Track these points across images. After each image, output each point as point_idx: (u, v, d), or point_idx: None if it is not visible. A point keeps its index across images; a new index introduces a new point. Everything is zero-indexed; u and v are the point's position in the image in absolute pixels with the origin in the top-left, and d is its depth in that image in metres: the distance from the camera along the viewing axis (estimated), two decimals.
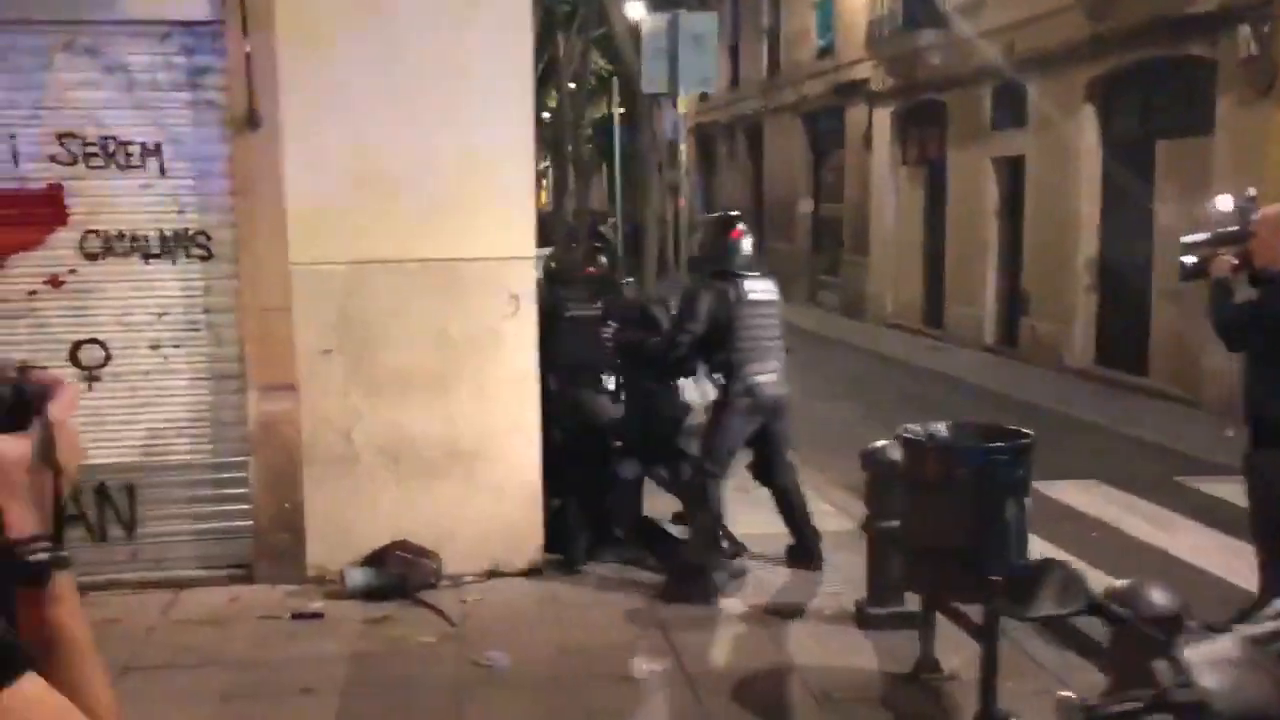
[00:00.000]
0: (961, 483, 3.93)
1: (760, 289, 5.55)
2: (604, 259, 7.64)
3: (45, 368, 1.17)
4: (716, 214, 7.33)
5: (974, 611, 4.17)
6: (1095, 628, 5.00)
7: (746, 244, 5.68)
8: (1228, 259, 4.37)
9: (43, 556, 1.07)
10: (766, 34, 22.42)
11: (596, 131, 28.12)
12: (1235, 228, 4.39)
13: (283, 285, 5.27)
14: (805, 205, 20.90)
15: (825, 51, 19.37)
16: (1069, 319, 12.45)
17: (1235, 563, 5.80)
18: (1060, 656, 4.63)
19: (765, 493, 5.82)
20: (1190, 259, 4.52)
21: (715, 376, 5.53)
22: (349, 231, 5.33)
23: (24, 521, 1.07)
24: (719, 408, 5.49)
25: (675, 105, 21.11)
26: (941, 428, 4.29)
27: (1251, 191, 4.54)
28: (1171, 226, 10.91)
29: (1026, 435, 4.07)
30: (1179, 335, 10.81)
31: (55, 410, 1.10)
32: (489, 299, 5.45)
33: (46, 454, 1.08)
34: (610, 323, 6.03)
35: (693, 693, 4.31)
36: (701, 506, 5.45)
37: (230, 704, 4.25)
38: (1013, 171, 13.65)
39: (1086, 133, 12.03)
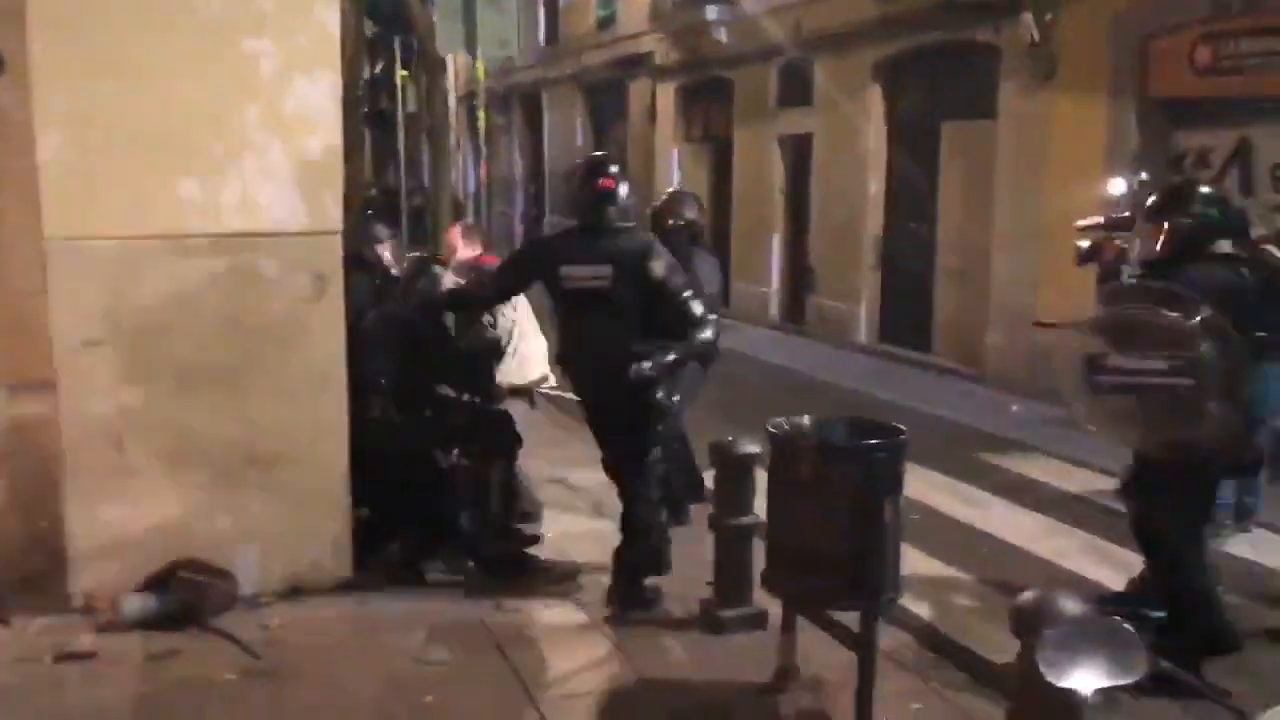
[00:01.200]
0: (839, 482, 3.67)
1: None
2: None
3: None
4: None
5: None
6: (954, 626, 4.95)
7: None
8: (1118, 244, 4.33)
9: None
10: (544, 2, 21.88)
11: (364, 97, 26.74)
12: (1126, 213, 4.37)
13: (37, 264, 4.43)
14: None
15: (607, 22, 19.05)
16: (855, 297, 12.69)
17: (1060, 544, 5.92)
18: (921, 656, 4.48)
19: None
20: (1084, 243, 4.55)
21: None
22: (121, 201, 4.53)
23: None
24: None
25: (449, 71, 20.30)
26: (805, 422, 4.02)
27: (1143, 175, 4.54)
28: (953, 209, 11.29)
29: (901, 431, 3.85)
30: (961, 312, 11.19)
31: None
32: (289, 281, 4.78)
33: None
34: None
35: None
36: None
37: None
38: (799, 150, 13.78)
39: (873, 113, 12.24)
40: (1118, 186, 4.74)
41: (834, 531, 3.70)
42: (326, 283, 4.82)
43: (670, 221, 6.05)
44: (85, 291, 4.51)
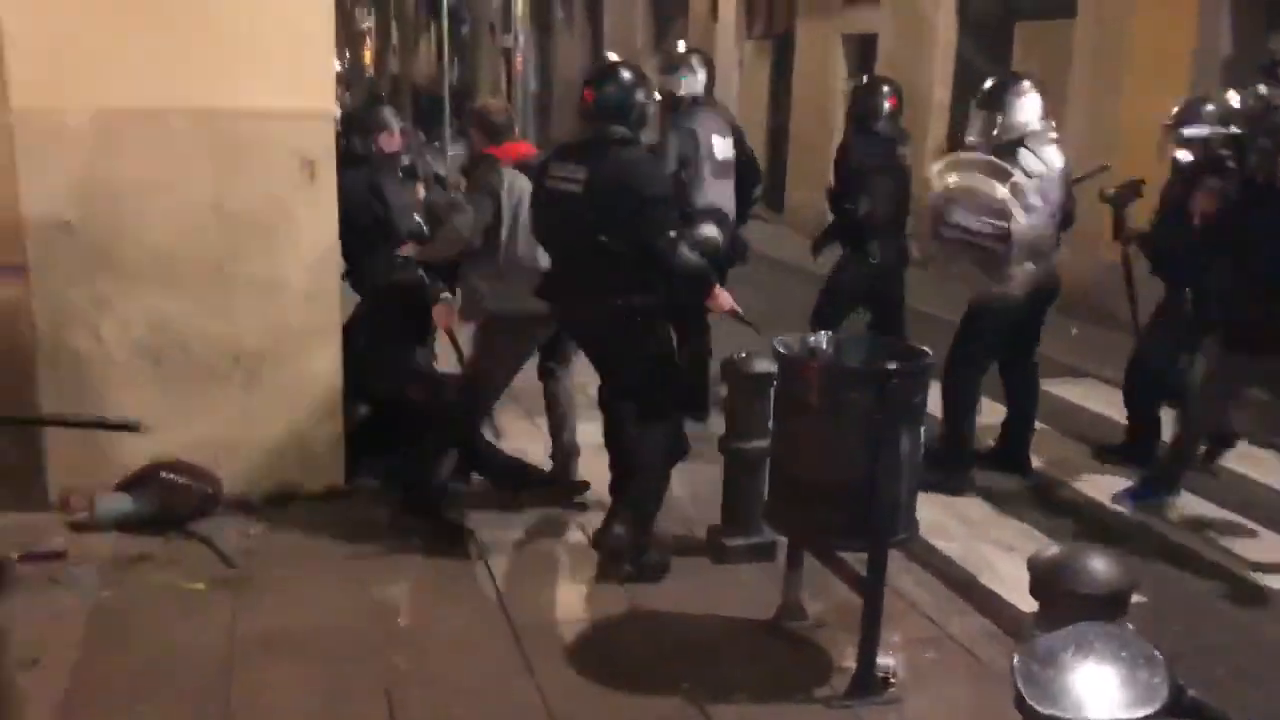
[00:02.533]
0: (851, 409, 3.26)
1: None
2: None
3: None
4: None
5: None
6: (973, 562, 4.58)
7: None
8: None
9: None
10: None
11: None
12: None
13: (2, 137, 4.12)
14: (649, 72, 19.83)
15: None
16: (920, 204, 12.04)
17: (1110, 482, 5.47)
18: (934, 597, 4.12)
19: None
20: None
21: None
22: (94, 70, 4.18)
23: None
24: None
25: None
26: (822, 340, 3.61)
27: (1261, 89, 4.16)
28: None
29: (924, 353, 3.43)
30: None
31: None
32: (276, 164, 4.43)
33: None
34: None
35: (520, 654, 3.59)
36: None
37: None
38: (864, 50, 13.02)
39: (943, 12, 11.46)
40: (1230, 99, 4.57)
41: (843, 463, 3.32)
42: (316, 169, 4.46)
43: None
44: (56, 169, 4.20)
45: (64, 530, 4.26)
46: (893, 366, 3.29)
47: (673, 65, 6.00)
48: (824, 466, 3.37)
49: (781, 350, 3.48)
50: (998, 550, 4.63)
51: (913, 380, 3.26)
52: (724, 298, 4.14)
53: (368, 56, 35.34)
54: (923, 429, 3.36)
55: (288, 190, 4.44)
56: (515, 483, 4.88)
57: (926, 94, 11.63)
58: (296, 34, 4.35)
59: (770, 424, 3.82)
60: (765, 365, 4.11)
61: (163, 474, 4.41)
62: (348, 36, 31.58)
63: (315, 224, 4.50)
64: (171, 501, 4.36)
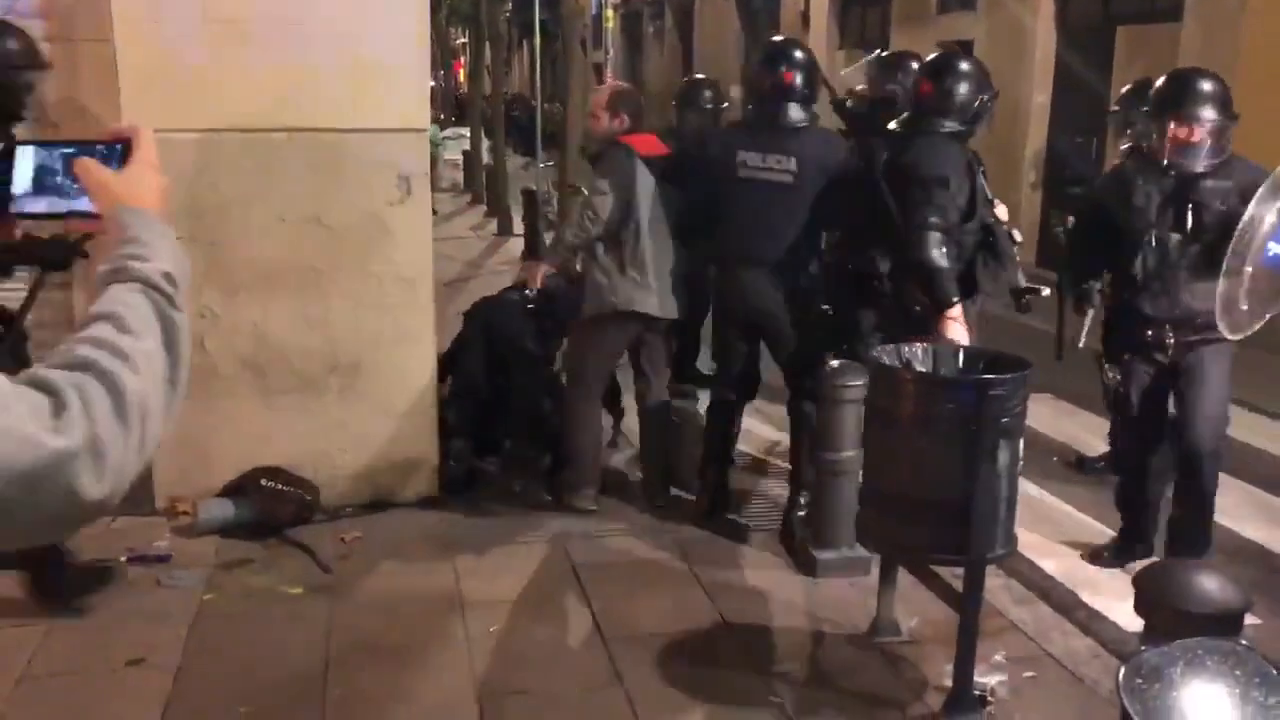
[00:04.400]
0: (949, 422, 3.19)
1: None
2: None
3: None
4: None
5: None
6: (1075, 579, 4.44)
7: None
8: None
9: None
10: None
11: (517, 4, 26.53)
12: None
13: None
14: (737, 91, 19.79)
15: None
16: (1012, 216, 11.77)
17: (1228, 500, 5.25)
18: (1034, 614, 4.00)
19: None
20: None
21: None
22: (200, 92, 4.32)
23: None
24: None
25: None
26: (918, 350, 3.54)
27: None
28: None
29: (1024, 364, 3.34)
30: None
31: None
32: (374, 180, 4.52)
33: None
34: None
35: (610, 664, 3.58)
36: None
37: (27, 683, 3.39)
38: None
39: (1042, 16, 11.23)
40: None
41: (939, 477, 3.24)
42: (411, 184, 4.54)
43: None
44: None
45: (169, 534, 4.39)
46: (990, 377, 3.21)
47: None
48: (919, 480, 3.30)
49: (876, 360, 3.43)
50: (1102, 569, 4.48)
51: (1011, 391, 3.17)
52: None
53: (461, 74, 35.93)
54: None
55: (384, 205, 4.53)
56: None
57: (1025, 101, 11.41)
58: (394, 51, 4.44)
59: (861, 435, 3.76)
60: (856, 375, 4.06)
61: (263, 482, 4.52)
62: (440, 54, 32.13)
63: (410, 236, 4.58)
64: (271, 508, 4.47)
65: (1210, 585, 2.38)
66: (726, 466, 4.85)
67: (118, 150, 1.32)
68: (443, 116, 22.30)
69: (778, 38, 5.30)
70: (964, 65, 4.26)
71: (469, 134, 18.47)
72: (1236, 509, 4.95)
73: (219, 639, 3.66)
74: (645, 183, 4.50)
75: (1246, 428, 5.73)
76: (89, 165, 1.29)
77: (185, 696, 3.33)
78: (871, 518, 3.53)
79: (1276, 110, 7.15)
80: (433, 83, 32.19)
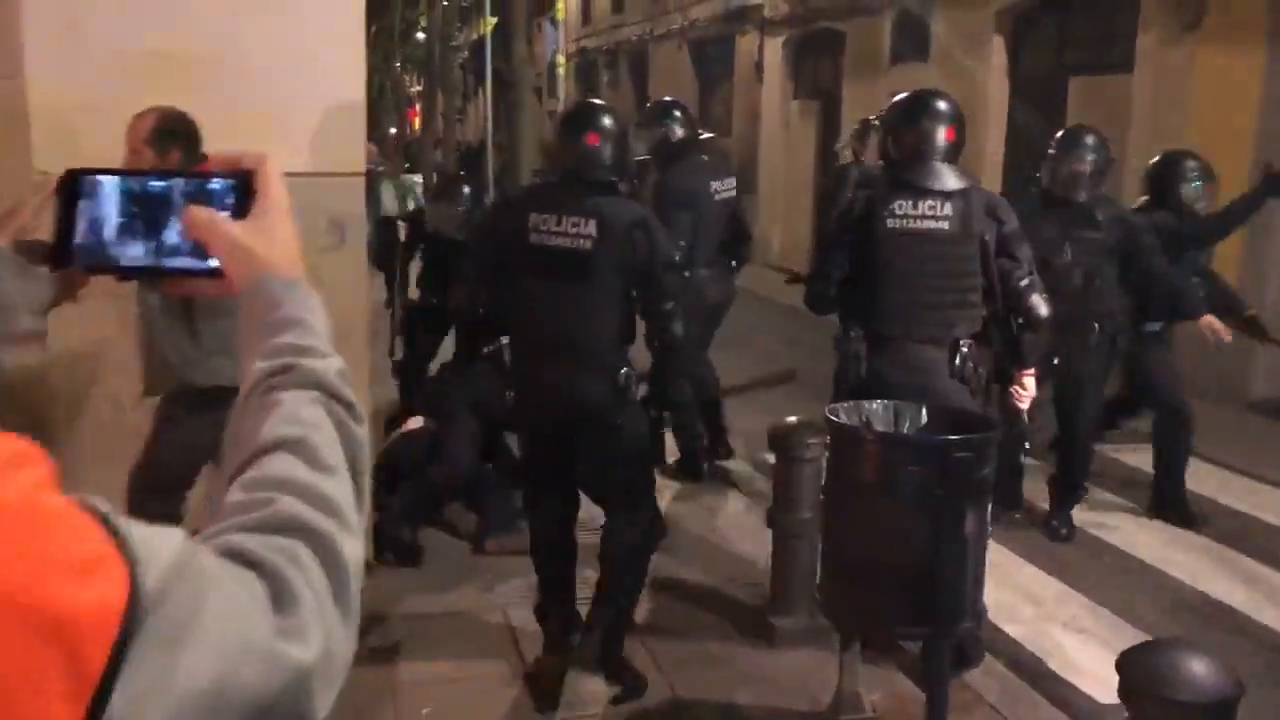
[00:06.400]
0: (910, 485, 2.99)
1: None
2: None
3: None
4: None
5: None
6: (1044, 646, 4.23)
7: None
8: None
9: None
10: None
11: (473, 53, 26.55)
12: None
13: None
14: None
15: None
16: None
17: (1194, 561, 5.08)
18: (1002, 686, 3.79)
19: None
20: None
21: None
22: (118, 135, 4.06)
23: None
24: None
25: (554, 24, 19.76)
26: (878, 407, 3.34)
27: None
28: None
29: (990, 424, 3.15)
30: None
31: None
32: (307, 227, 4.23)
33: None
34: None
35: None
36: None
37: None
38: None
39: (994, 67, 11.27)
40: None
41: (901, 544, 3.03)
42: (344, 231, 4.30)
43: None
44: None
45: None
46: (956, 438, 3.01)
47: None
48: (880, 547, 3.09)
49: (833, 419, 3.22)
50: (1070, 633, 4.29)
51: (978, 453, 2.98)
52: None
53: (416, 122, 35.90)
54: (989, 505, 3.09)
55: (314, 253, 4.27)
56: None
57: (979, 149, 11.41)
58: (328, 93, 4.22)
59: (821, 496, 3.56)
60: (816, 433, 3.86)
61: None
62: (395, 103, 32.04)
63: (343, 287, 4.32)
64: None
65: (1200, 670, 2.18)
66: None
67: (233, 186, 0.99)
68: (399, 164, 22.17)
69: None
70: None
71: (421, 181, 18.33)
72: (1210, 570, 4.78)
73: None
74: None
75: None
76: (206, 216, 0.95)
77: None
78: (832, 587, 3.31)
79: (1226, 156, 7.13)
80: (393, 129, 32.03)
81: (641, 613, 4.18)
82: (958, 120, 3.87)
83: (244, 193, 0.99)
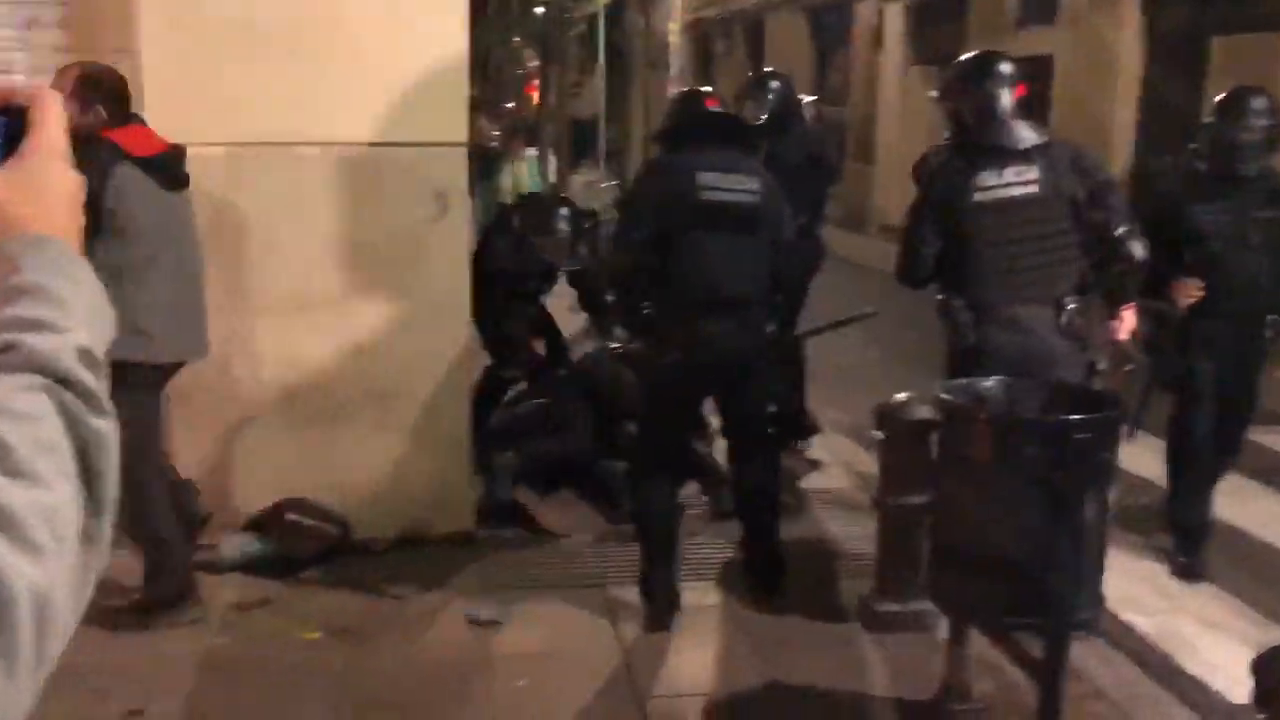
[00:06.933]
0: (1026, 468, 2.81)
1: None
2: None
3: None
4: None
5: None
6: (1171, 641, 3.99)
7: None
8: None
9: None
10: None
11: (589, 27, 26.50)
12: None
13: None
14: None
15: None
16: None
17: None
18: (1123, 681, 3.57)
19: None
20: None
21: None
22: (227, 104, 4.11)
23: None
24: None
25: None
26: (993, 384, 3.16)
27: None
28: None
29: (1114, 401, 2.95)
30: None
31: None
32: (409, 197, 4.27)
33: None
34: None
35: None
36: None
37: None
38: (1037, 75, 12.30)
39: (1128, 28, 10.70)
40: None
41: (1016, 530, 2.86)
42: (448, 201, 4.28)
43: None
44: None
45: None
46: (1076, 418, 2.82)
47: None
48: (994, 533, 2.92)
49: (945, 398, 3.06)
50: (1200, 627, 4.03)
51: (1099, 434, 2.78)
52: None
53: (535, 96, 36.10)
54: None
55: (420, 223, 4.27)
56: None
57: (1108, 118, 10.88)
58: (430, 63, 4.19)
59: (931, 478, 3.39)
60: (926, 411, 3.68)
61: (288, 516, 4.27)
62: (516, 79, 32.28)
63: (446, 256, 4.32)
64: (293, 543, 4.22)
65: None
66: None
67: (3, 125, 0.83)
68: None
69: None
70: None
71: (537, 154, 18.48)
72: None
73: (224, 690, 3.40)
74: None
75: None
76: None
77: None
78: (942, 576, 3.15)
79: None
80: (510, 104, 32.35)
81: (740, 592, 4.09)
82: (1023, 78, 3.82)
83: (14, 132, 0.82)
